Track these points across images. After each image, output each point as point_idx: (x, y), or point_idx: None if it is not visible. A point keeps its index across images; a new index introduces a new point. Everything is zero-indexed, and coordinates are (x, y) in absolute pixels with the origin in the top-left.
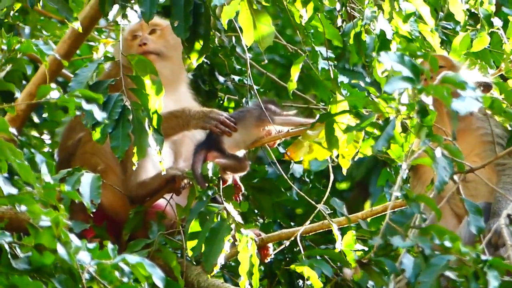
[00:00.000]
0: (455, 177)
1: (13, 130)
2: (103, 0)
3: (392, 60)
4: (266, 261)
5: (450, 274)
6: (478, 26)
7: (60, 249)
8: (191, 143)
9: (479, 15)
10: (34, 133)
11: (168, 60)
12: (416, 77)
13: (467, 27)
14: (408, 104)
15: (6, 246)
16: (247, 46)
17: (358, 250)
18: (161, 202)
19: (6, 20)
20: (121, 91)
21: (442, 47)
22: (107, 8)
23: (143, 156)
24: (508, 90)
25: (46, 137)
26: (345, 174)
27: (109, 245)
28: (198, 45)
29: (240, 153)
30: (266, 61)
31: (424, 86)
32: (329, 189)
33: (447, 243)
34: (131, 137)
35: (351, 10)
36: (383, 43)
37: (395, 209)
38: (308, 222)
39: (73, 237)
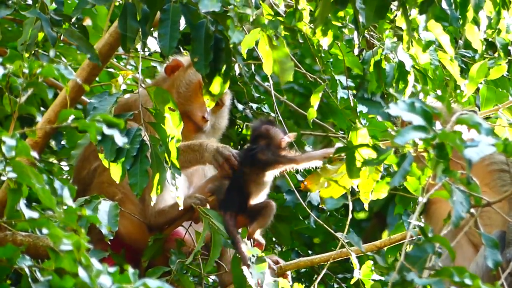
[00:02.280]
0: (473, 210)
1: (34, 153)
2: (125, 36)
3: (402, 110)
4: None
5: None
6: (496, 55)
7: (82, 273)
8: (202, 172)
9: (496, 44)
10: (53, 159)
11: (213, 135)
12: (428, 124)
13: (484, 55)
14: (425, 139)
15: (27, 270)
16: (271, 77)
17: (375, 280)
18: (180, 229)
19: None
20: (140, 124)
21: (462, 75)
22: (129, 45)
23: (161, 192)
24: None
25: (64, 164)
26: (366, 209)
27: (130, 270)
28: (218, 80)
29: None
30: (285, 97)
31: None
32: (348, 222)
33: (467, 281)
34: (149, 173)
35: (370, 38)
36: (401, 75)
37: (413, 238)
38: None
39: (94, 261)
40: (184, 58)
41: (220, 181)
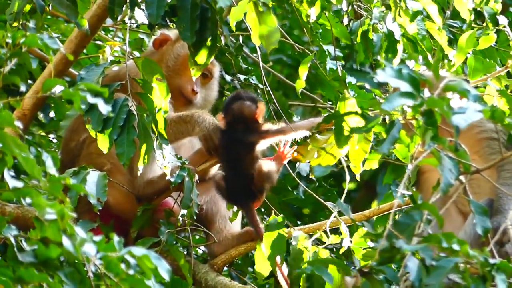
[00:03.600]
0: (462, 177)
1: (18, 123)
2: (112, 4)
3: (389, 76)
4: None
5: (455, 277)
6: (484, 24)
7: (66, 242)
8: (190, 144)
9: (484, 14)
10: (41, 132)
11: (203, 108)
12: (416, 90)
13: (473, 25)
14: (413, 106)
15: (12, 240)
16: (259, 48)
17: (367, 248)
18: (169, 200)
19: (15, 24)
20: (127, 94)
21: (450, 46)
22: (116, 12)
23: (148, 162)
24: (511, 98)
25: (52, 137)
26: (358, 179)
27: (115, 238)
28: (204, 50)
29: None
30: (271, 64)
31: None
32: (344, 194)
33: (455, 246)
34: (136, 143)
35: (358, 9)
36: (391, 44)
37: (402, 207)
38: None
39: (78, 230)
40: (172, 32)
41: (220, 177)
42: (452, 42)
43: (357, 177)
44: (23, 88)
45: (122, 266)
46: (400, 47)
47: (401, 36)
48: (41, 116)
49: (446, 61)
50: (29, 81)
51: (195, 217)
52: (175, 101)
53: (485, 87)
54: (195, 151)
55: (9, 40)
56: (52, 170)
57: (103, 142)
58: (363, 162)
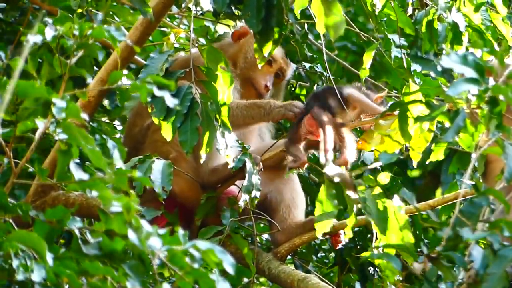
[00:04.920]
0: None
1: (84, 115)
2: None
3: (454, 62)
4: (337, 247)
5: None
6: None
7: (131, 235)
8: (257, 133)
9: None
10: (106, 119)
11: None
12: (481, 77)
13: None
14: (478, 94)
15: (77, 232)
16: (323, 36)
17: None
18: (234, 188)
19: (79, 10)
20: (191, 82)
21: None
22: (181, 1)
23: (210, 150)
24: None
25: (117, 123)
26: (415, 166)
27: (180, 231)
28: (270, 37)
29: None
30: (336, 52)
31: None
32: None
33: None
34: (199, 131)
35: None
36: (455, 35)
37: (466, 197)
38: None
39: (144, 223)
40: None
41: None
42: None
43: (414, 164)
44: (89, 80)
45: (187, 259)
46: (465, 38)
47: (466, 27)
48: (106, 102)
49: (511, 51)
50: (95, 68)
51: (256, 203)
52: (246, 94)
53: None
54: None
55: (76, 32)
56: (118, 162)
57: (166, 130)
58: (425, 151)
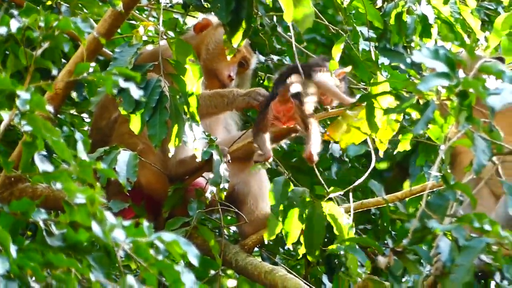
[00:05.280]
0: (495, 158)
1: (50, 108)
2: None
3: (425, 56)
4: None
5: (486, 258)
6: None
7: (95, 227)
8: (223, 124)
9: None
10: (74, 111)
11: None
12: (452, 71)
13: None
14: (448, 86)
15: (41, 223)
16: (292, 27)
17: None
18: (201, 180)
19: (48, 3)
20: (160, 75)
21: (484, 27)
22: None
23: (179, 143)
24: None
25: (85, 116)
26: (381, 156)
27: (145, 223)
28: (240, 29)
29: None
30: (305, 44)
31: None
32: (369, 171)
33: (487, 226)
34: (168, 125)
35: None
36: (425, 28)
37: (434, 189)
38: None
39: (108, 215)
40: (214, 18)
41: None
42: (487, 24)
43: (381, 154)
44: (55, 72)
45: (152, 251)
46: (434, 30)
47: (436, 19)
48: (74, 95)
49: (479, 43)
50: (63, 60)
51: (224, 195)
52: (210, 86)
53: None
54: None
55: (42, 24)
56: (83, 154)
57: (135, 123)
58: (390, 141)
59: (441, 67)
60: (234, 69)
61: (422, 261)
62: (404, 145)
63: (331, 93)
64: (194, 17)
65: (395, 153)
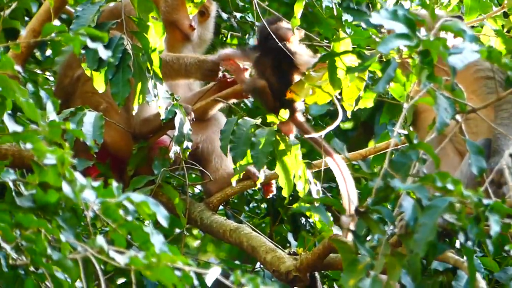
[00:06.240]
0: (458, 117)
1: (18, 67)
2: None
3: (384, 18)
4: (268, 197)
5: (449, 217)
6: None
7: (65, 187)
8: (186, 85)
9: None
10: (38, 70)
11: (199, 47)
12: (412, 32)
13: None
14: (409, 47)
15: (10, 184)
16: None
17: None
18: (165, 138)
19: None
20: (122, 33)
21: None
22: None
23: (143, 101)
24: (507, 38)
25: (49, 74)
26: (349, 117)
27: (114, 184)
28: None
29: None
30: (267, 2)
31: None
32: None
33: (450, 186)
34: (131, 83)
35: None
36: None
37: (398, 147)
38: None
39: (78, 176)
40: None
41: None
42: None
43: (348, 114)
44: (23, 32)
45: (121, 212)
46: None
47: None
48: (37, 53)
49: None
50: (26, 18)
51: (188, 153)
52: (172, 38)
53: (481, 27)
54: (196, 92)
55: None
56: (52, 114)
57: (98, 81)
58: (357, 101)
59: (401, 28)
60: (195, 18)
61: (385, 220)
62: (366, 103)
63: (308, 64)
64: None
65: (356, 110)
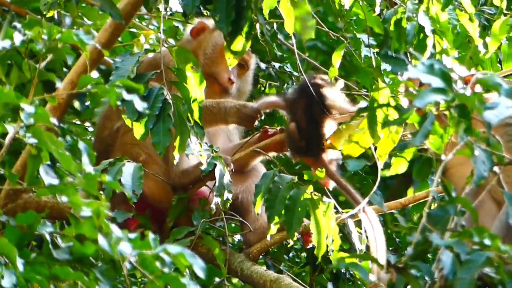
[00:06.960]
0: (496, 168)
1: (53, 120)
2: None
3: (421, 72)
4: (308, 247)
5: (488, 271)
6: None
7: (101, 240)
8: (226, 134)
9: None
10: (76, 121)
11: (238, 99)
12: (448, 86)
13: (504, 12)
14: (445, 101)
15: (47, 236)
16: (294, 35)
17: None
18: (205, 189)
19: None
20: (162, 84)
21: (485, 32)
22: (151, 4)
23: (183, 151)
24: None
25: (88, 125)
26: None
27: (150, 235)
28: (240, 38)
29: None
30: (307, 55)
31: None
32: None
33: (487, 241)
34: (172, 132)
35: None
36: (421, 39)
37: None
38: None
39: (114, 228)
40: (210, 21)
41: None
42: (487, 29)
43: (380, 165)
44: (58, 85)
45: (157, 263)
46: (430, 41)
47: (432, 32)
48: (76, 104)
49: (479, 49)
50: (64, 69)
51: (228, 204)
52: (210, 90)
53: None
54: (237, 144)
55: (45, 36)
56: (88, 167)
57: (138, 131)
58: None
59: (437, 82)
60: (234, 71)
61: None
62: (397, 168)
63: (340, 109)
64: None
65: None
